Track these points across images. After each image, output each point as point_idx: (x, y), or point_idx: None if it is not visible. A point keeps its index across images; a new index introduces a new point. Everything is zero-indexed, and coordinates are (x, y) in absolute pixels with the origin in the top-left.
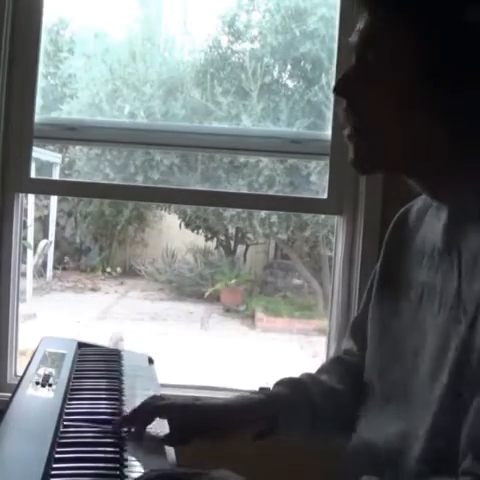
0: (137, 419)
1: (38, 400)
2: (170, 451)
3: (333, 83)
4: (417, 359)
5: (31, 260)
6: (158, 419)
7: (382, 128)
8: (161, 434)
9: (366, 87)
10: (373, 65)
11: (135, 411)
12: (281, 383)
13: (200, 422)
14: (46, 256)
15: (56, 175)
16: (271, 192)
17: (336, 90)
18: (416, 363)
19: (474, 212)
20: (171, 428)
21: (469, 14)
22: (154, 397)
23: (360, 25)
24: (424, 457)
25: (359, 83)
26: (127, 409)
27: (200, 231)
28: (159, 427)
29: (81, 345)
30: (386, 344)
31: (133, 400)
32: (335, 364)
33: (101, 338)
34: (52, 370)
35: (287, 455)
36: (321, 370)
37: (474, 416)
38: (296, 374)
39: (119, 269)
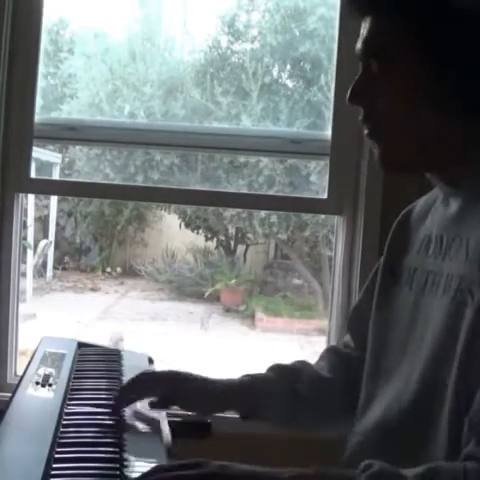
0: (134, 389)
1: (38, 400)
2: (170, 451)
3: (333, 83)
4: (422, 342)
5: (31, 260)
6: None
7: (397, 129)
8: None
9: (377, 93)
10: (380, 71)
11: (133, 381)
12: (271, 368)
13: (192, 394)
14: (46, 256)
15: (56, 175)
16: (271, 192)
17: (350, 100)
18: (420, 346)
19: None
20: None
21: (467, 4)
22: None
23: (363, 32)
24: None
25: (370, 90)
26: (127, 409)
27: (200, 231)
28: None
29: (81, 345)
30: (390, 332)
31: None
32: (330, 353)
33: (101, 338)
34: (52, 370)
35: (286, 449)
36: (318, 360)
37: (478, 401)
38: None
39: (119, 269)
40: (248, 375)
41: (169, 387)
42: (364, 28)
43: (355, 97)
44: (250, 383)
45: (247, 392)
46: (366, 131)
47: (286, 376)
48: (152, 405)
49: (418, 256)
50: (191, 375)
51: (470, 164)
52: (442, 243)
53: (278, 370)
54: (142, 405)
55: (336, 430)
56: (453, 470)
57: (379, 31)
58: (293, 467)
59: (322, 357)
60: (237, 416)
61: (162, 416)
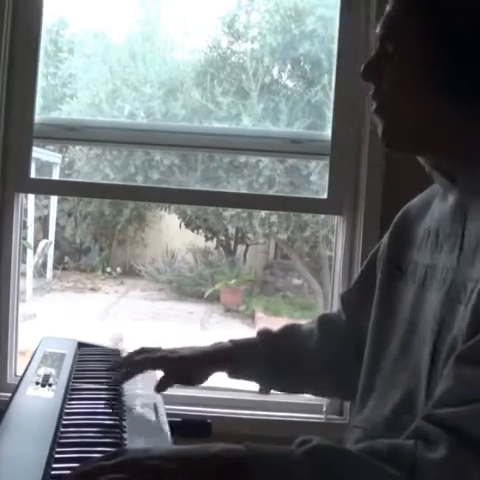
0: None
1: (38, 400)
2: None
3: (333, 83)
4: (423, 338)
5: (31, 260)
6: None
7: (400, 107)
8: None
9: (387, 71)
10: (393, 51)
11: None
12: (258, 333)
13: (177, 370)
14: (46, 256)
15: (56, 175)
16: (271, 192)
17: (362, 75)
18: (412, 341)
19: None
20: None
21: None
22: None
23: (385, 15)
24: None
25: (381, 68)
26: (127, 409)
27: (200, 231)
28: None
29: (81, 345)
30: (391, 326)
31: (133, 400)
32: (322, 322)
33: (101, 338)
34: (52, 370)
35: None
36: (310, 322)
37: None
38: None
39: (119, 269)
40: (233, 340)
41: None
42: (386, 9)
43: (367, 73)
44: (235, 346)
45: (232, 355)
46: (373, 107)
47: (269, 343)
48: (158, 388)
49: (419, 251)
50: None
51: (468, 157)
52: (438, 237)
53: (263, 335)
54: (142, 386)
55: (317, 395)
56: (398, 449)
57: (397, 13)
58: (224, 444)
59: (314, 321)
60: (237, 416)
61: (162, 415)
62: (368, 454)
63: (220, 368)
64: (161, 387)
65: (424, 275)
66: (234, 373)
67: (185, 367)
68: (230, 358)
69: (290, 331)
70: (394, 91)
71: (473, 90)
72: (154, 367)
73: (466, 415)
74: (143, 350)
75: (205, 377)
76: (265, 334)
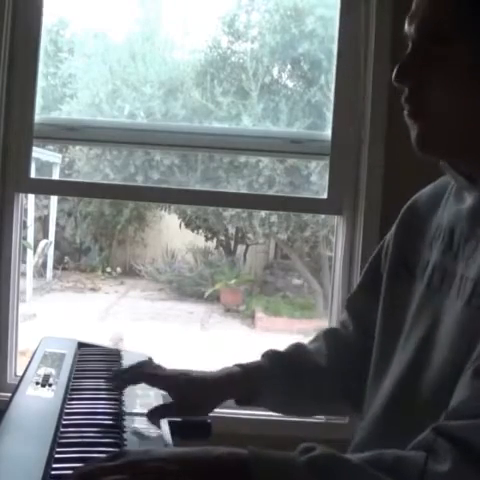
0: (126, 377)
1: (38, 400)
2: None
3: (333, 83)
4: (428, 344)
5: (31, 260)
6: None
7: (443, 111)
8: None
9: (424, 73)
10: (434, 52)
11: (127, 370)
12: (264, 355)
13: (190, 395)
14: (46, 256)
15: (56, 175)
16: (271, 192)
17: (396, 78)
18: (427, 347)
19: None
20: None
21: None
22: (145, 363)
23: (419, 11)
24: None
25: (418, 70)
26: (127, 409)
27: (200, 231)
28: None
29: (81, 345)
30: (395, 325)
31: (133, 400)
32: (328, 336)
33: (101, 338)
34: (52, 370)
35: (287, 449)
36: (313, 339)
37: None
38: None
39: (119, 269)
40: (240, 364)
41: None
42: (419, 7)
43: (402, 76)
44: (248, 371)
45: (245, 380)
46: (407, 111)
47: (280, 363)
48: (150, 415)
49: (429, 248)
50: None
51: None
52: (453, 239)
53: (272, 357)
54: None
55: (331, 415)
56: (409, 460)
57: (441, 12)
58: (225, 446)
59: (319, 338)
60: (237, 416)
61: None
62: (372, 464)
63: (235, 392)
64: (156, 416)
65: (434, 276)
66: (251, 396)
67: (196, 390)
68: (247, 380)
69: (297, 349)
70: (439, 92)
71: None
72: (160, 385)
73: (474, 427)
74: (146, 364)
75: (216, 403)
76: (272, 354)
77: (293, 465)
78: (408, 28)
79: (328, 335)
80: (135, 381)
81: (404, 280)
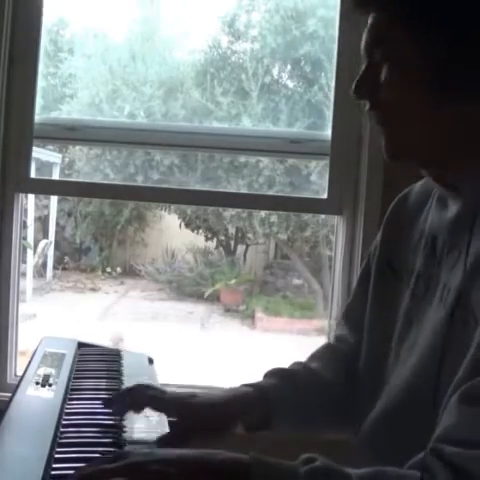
0: (126, 401)
1: (38, 400)
2: None
3: (333, 83)
4: (410, 351)
5: (31, 260)
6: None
7: (402, 116)
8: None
9: (381, 82)
10: (384, 59)
11: (128, 392)
12: (271, 374)
13: (200, 420)
14: (46, 256)
15: (56, 175)
16: (271, 192)
17: (355, 94)
18: (408, 354)
19: None
20: (172, 427)
21: None
22: (150, 387)
23: (368, 25)
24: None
25: (374, 81)
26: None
27: (200, 231)
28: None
29: (81, 345)
30: (380, 329)
31: None
32: (325, 352)
33: (101, 338)
34: (52, 370)
35: (287, 449)
36: (312, 357)
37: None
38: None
39: (119, 269)
40: (247, 385)
41: (182, 421)
42: (368, 22)
43: (359, 89)
44: (259, 392)
45: (259, 401)
46: (374, 119)
47: (289, 381)
48: (159, 443)
49: (413, 254)
50: (199, 404)
51: (473, 166)
52: (436, 247)
53: (279, 375)
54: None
55: (344, 432)
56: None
57: (382, 20)
58: (226, 451)
59: (318, 356)
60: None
61: (162, 415)
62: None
63: (251, 414)
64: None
65: (419, 283)
66: (268, 417)
67: (207, 415)
68: (261, 399)
69: (299, 365)
70: (394, 98)
71: (468, 88)
72: (168, 411)
73: (474, 458)
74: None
75: (229, 428)
76: (278, 372)
77: (294, 474)
78: (362, 46)
79: (327, 352)
80: (138, 406)
81: (390, 280)
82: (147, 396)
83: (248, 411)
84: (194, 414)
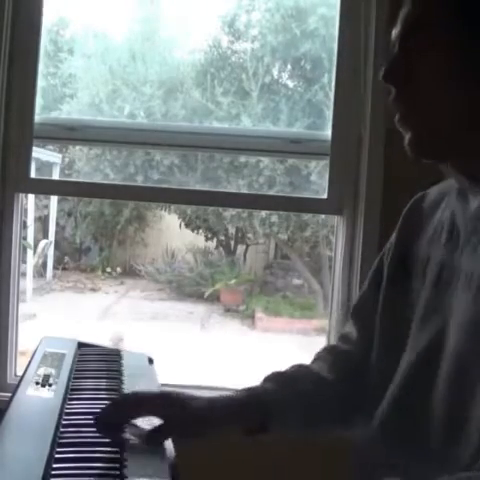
0: (118, 414)
1: (38, 400)
2: (170, 450)
3: (333, 83)
4: (439, 343)
5: (31, 260)
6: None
7: (432, 108)
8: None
9: (413, 71)
10: (418, 49)
11: (114, 405)
12: (269, 379)
13: (186, 419)
14: (46, 256)
15: (56, 175)
16: (271, 192)
17: (384, 78)
18: (439, 345)
19: None
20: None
21: None
22: (127, 395)
23: (402, 15)
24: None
25: (405, 68)
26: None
27: (200, 231)
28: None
29: (81, 345)
30: (394, 328)
31: None
32: (327, 352)
33: (101, 338)
34: (52, 370)
35: (287, 449)
36: (314, 359)
37: None
38: (288, 367)
39: (119, 269)
40: (248, 389)
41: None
42: (402, 12)
43: (389, 75)
44: (257, 396)
45: (257, 406)
46: (397, 116)
47: (287, 384)
48: (147, 440)
49: (431, 245)
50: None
51: None
52: (459, 237)
53: (277, 379)
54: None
55: (347, 430)
56: None
57: (420, 9)
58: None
59: (320, 358)
60: None
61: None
62: None
63: (249, 417)
64: (154, 439)
65: (439, 273)
66: (267, 421)
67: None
68: (261, 403)
69: (299, 368)
70: (426, 88)
71: None
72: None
73: None
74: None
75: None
76: (276, 376)
77: None
78: (394, 32)
79: (329, 353)
80: (122, 419)
81: (404, 278)
82: (129, 408)
83: (245, 416)
84: (182, 417)
